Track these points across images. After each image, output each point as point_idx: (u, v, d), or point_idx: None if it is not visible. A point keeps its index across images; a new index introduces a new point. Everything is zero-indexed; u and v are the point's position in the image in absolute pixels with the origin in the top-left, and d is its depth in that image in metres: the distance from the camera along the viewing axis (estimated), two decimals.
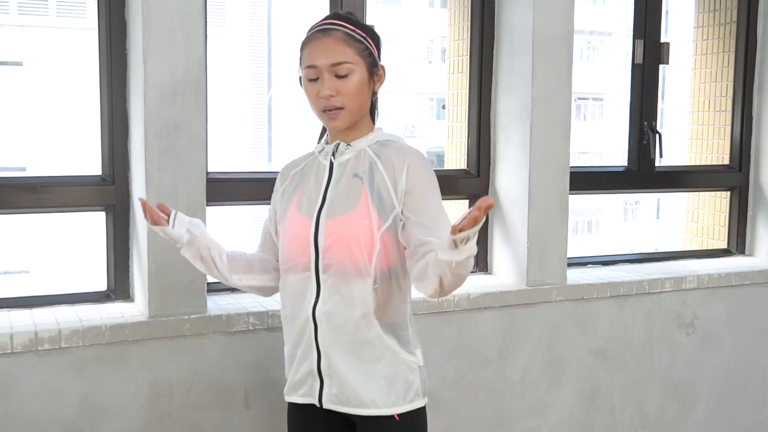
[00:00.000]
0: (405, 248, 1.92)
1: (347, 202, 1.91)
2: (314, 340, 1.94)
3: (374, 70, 1.95)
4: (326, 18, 1.97)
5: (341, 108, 1.90)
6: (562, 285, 2.84)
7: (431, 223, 1.89)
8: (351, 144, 1.97)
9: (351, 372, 1.93)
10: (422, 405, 2.00)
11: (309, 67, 1.91)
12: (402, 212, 1.90)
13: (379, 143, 1.97)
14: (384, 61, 1.99)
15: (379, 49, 1.98)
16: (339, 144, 1.97)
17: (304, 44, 1.94)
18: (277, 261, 2.07)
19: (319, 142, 2.08)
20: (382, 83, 1.99)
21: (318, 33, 1.92)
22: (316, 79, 1.91)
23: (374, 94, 1.99)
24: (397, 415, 1.94)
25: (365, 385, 1.93)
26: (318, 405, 1.98)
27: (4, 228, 14.10)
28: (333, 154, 1.98)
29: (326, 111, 1.91)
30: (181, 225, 1.96)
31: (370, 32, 1.96)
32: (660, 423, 3.12)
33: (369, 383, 1.93)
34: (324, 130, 2.07)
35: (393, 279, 1.94)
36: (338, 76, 1.89)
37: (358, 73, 1.90)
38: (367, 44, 1.93)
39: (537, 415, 2.87)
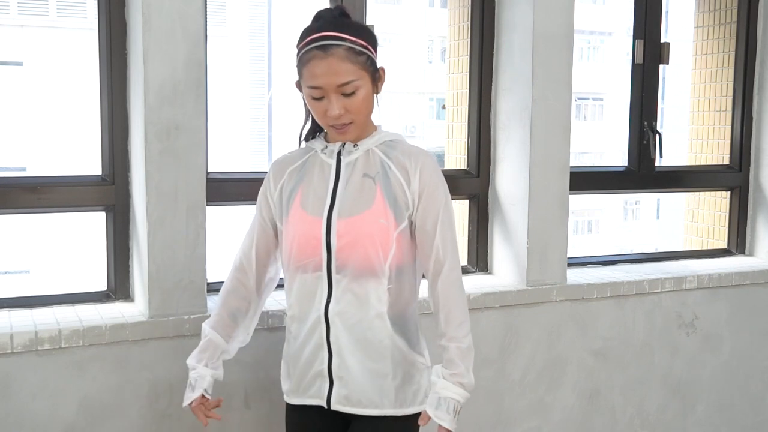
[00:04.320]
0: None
1: (361, 202, 1.90)
2: (326, 340, 1.93)
3: (376, 75, 1.92)
4: (321, 29, 1.86)
5: (350, 123, 1.89)
6: (562, 285, 2.84)
7: (441, 241, 1.93)
8: (358, 144, 1.96)
9: (362, 372, 1.92)
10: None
11: (314, 87, 1.86)
12: (415, 214, 1.92)
13: (386, 144, 1.97)
14: (383, 61, 1.97)
15: (376, 51, 1.94)
16: (345, 143, 1.96)
17: (304, 61, 1.86)
18: (264, 264, 2.08)
19: (309, 138, 2.05)
20: (383, 83, 1.97)
21: (318, 51, 1.84)
22: (321, 98, 1.87)
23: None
24: (402, 416, 1.94)
25: (375, 386, 1.93)
26: (326, 406, 1.97)
27: (4, 228, 14.11)
28: (339, 153, 1.97)
29: (334, 127, 1.90)
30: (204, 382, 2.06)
31: (368, 37, 1.90)
32: (660, 423, 3.12)
33: (379, 384, 1.93)
34: (313, 127, 2.04)
35: (404, 278, 1.94)
36: (345, 95, 1.86)
37: (364, 88, 1.87)
38: (369, 53, 1.88)
39: (537, 415, 2.87)
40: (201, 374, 2.04)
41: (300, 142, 2.08)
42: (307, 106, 1.94)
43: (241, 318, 2.13)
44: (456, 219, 2.96)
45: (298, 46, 1.91)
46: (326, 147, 1.99)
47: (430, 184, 1.92)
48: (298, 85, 1.96)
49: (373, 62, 1.90)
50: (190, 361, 2.07)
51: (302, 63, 1.89)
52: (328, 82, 1.84)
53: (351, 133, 1.92)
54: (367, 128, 1.97)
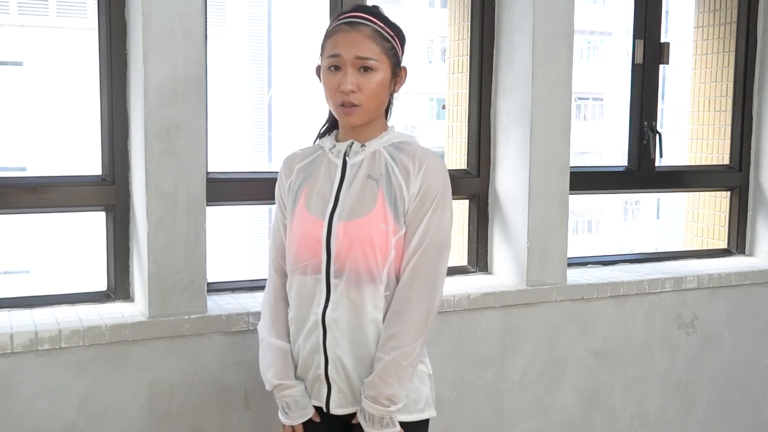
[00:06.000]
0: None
1: (363, 205, 1.87)
2: (322, 345, 1.90)
3: (397, 70, 1.92)
4: (354, 10, 1.91)
5: (358, 105, 1.87)
6: (562, 285, 2.84)
7: (420, 249, 1.87)
8: (365, 144, 1.93)
9: (359, 377, 1.90)
10: (431, 416, 1.98)
11: (333, 55, 1.86)
12: (406, 213, 1.88)
13: (394, 145, 1.94)
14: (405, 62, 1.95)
15: (403, 49, 1.94)
16: (352, 143, 1.94)
17: (330, 34, 1.90)
18: None
19: (323, 136, 2.03)
20: (402, 84, 1.96)
21: (346, 25, 1.87)
22: (338, 69, 1.87)
23: (392, 94, 1.97)
24: (404, 422, 1.91)
25: None
26: (325, 410, 1.95)
27: (4, 228, 14.12)
28: (346, 154, 1.94)
29: (343, 105, 1.87)
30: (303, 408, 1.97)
31: (398, 31, 1.93)
32: (660, 423, 3.12)
33: None
34: (330, 124, 2.03)
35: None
36: (362, 71, 1.85)
37: (382, 72, 1.87)
38: (394, 43, 1.90)
39: (537, 415, 2.87)
40: (302, 391, 1.96)
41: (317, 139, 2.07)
42: (323, 85, 1.91)
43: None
44: (455, 221, 2.97)
45: (327, 29, 1.93)
46: (334, 146, 1.96)
47: (426, 188, 1.87)
48: (318, 70, 1.95)
49: (396, 55, 1.91)
50: (277, 380, 1.95)
51: (327, 36, 1.90)
52: (349, 51, 1.85)
53: (358, 117, 1.88)
54: (378, 127, 1.95)
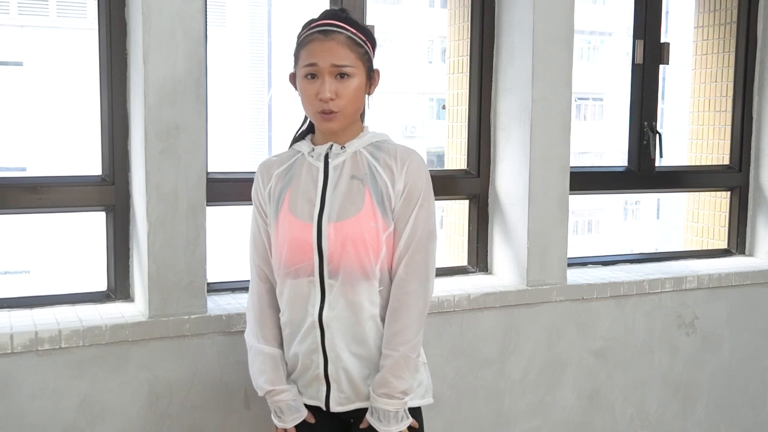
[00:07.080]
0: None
1: (351, 205, 1.90)
2: (321, 345, 1.92)
3: (371, 74, 1.95)
4: (325, 17, 1.94)
5: (337, 112, 1.89)
6: (562, 285, 2.84)
7: (413, 242, 1.91)
8: (345, 146, 1.95)
9: (359, 374, 1.93)
10: (429, 402, 2.01)
11: (310, 65, 1.88)
12: (393, 211, 1.91)
13: (373, 145, 1.97)
14: (383, 61, 1.99)
15: (374, 52, 1.98)
16: (332, 145, 1.96)
17: (304, 43, 1.91)
18: None
19: (297, 140, 2.05)
20: (376, 87, 1.99)
21: (320, 34, 1.89)
22: (314, 78, 1.89)
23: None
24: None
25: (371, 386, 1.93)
26: (324, 408, 1.97)
27: (4, 228, 14.13)
28: (327, 156, 1.96)
29: (323, 113, 1.89)
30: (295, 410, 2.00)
31: (369, 35, 1.95)
32: (660, 423, 3.12)
33: None
34: (306, 130, 2.05)
35: (392, 279, 1.94)
36: (338, 77, 1.88)
37: (358, 77, 1.90)
38: (367, 48, 1.93)
39: (537, 415, 2.87)
40: (295, 394, 1.99)
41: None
42: (299, 93, 1.94)
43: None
44: (452, 220, 2.97)
45: (298, 35, 1.94)
46: (313, 149, 1.98)
47: (411, 185, 1.91)
48: (292, 77, 1.98)
49: (369, 59, 1.94)
50: (270, 386, 1.98)
51: (301, 46, 1.92)
52: (325, 60, 1.87)
53: (337, 122, 1.91)
54: (354, 128, 1.98)
